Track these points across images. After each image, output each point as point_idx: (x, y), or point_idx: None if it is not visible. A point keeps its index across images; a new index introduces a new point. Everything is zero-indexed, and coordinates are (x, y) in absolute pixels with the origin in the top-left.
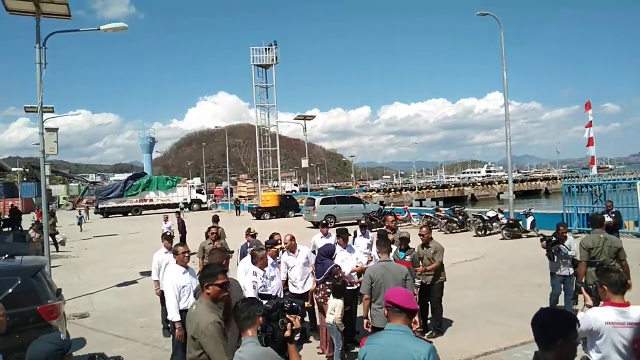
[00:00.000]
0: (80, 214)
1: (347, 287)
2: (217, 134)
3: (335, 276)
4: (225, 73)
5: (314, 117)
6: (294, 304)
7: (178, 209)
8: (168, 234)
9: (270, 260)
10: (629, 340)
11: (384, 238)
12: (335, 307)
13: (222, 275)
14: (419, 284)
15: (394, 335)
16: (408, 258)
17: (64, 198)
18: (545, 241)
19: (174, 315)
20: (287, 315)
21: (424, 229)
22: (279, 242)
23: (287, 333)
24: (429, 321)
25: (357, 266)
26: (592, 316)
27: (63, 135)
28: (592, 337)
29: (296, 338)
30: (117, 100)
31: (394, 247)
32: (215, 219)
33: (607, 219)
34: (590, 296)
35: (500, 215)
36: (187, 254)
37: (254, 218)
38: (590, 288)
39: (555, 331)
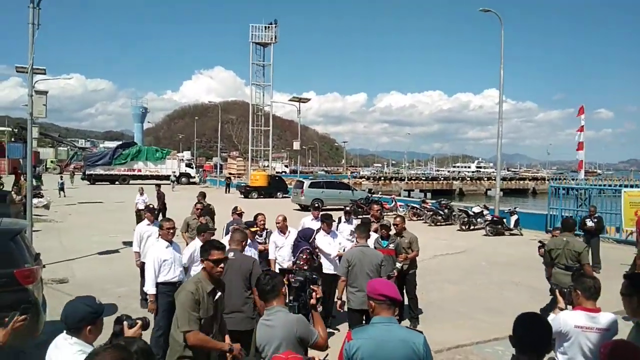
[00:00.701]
0: (61, 179)
1: (329, 272)
2: (211, 109)
3: (303, 255)
4: (223, 48)
5: (309, 99)
6: (314, 276)
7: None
8: (151, 206)
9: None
10: (595, 345)
11: (364, 224)
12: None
13: (217, 252)
14: (399, 267)
15: (385, 328)
16: (391, 246)
17: (52, 161)
18: (544, 250)
19: (149, 288)
20: (311, 286)
21: (397, 219)
22: (257, 224)
23: (313, 301)
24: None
25: (340, 251)
26: (563, 319)
27: (54, 98)
28: (561, 339)
29: (318, 306)
30: (112, 67)
31: (375, 235)
32: (202, 196)
33: (589, 223)
34: (563, 299)
35: (485, 212)
36: (171, 230)
37: (242, 196)
38: (565, 291)
39: (550, 339)
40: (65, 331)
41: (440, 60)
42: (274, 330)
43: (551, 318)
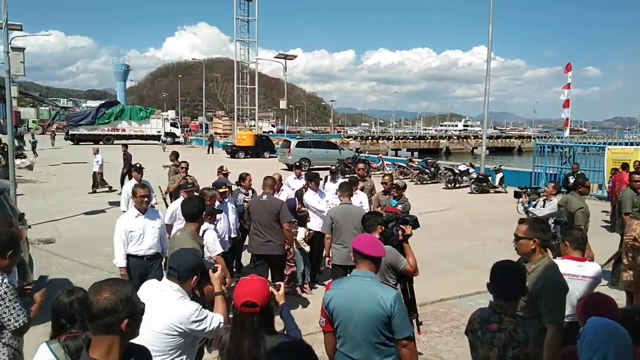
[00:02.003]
0: (33, 138)
1: (319, 230)
2: (195, 67)
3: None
4: (207, 2)
5: (295, 56)
6: (407, 217)
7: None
8: (138, 165)
9: (217, 203)
10: (581, 292)
11: (346, 183)
12: (298, 231)
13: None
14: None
15: (360, 281)
16: (400, 206)
17: (34, 122)
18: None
19: (118, 261)
20: (400, 225)
21: (386, 177)
22: (226, 185)
23: (400, 237)
24: None
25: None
26: None
27: (33, 55)
28: None
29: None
30: (93, 23)
31: (362, 194)
32: (175, 155)
33: (572, 180)
34: (551, 251)
35: (471, 170)
36: (145, 198)
37: (228, 156)
38: (553, 244)
39: (525, 284)
40: (166, 277)
41: (429, 16)
42: None
43: None
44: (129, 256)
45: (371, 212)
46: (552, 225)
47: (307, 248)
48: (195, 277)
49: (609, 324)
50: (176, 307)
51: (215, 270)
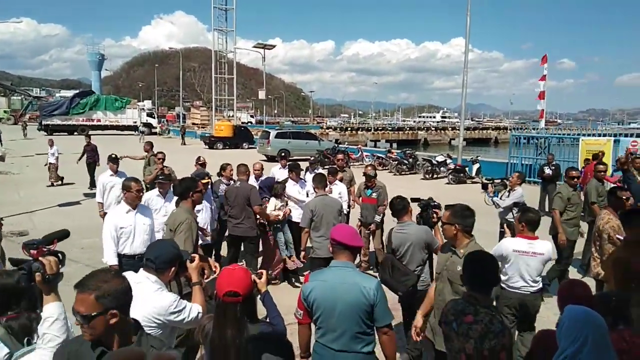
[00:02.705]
0: None
1: (299, 221)
2: (172, 56)
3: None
4: None
5: (274, 46)
6: (435, 202)
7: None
8: (113, 156)
9: None
10: (530, 267)
11: (319, 175)
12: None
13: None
14: (378, 220)
15: (340, 272)
16: (374, 195)
17: (5, 111)
18: None
19: (109, 259)
20: (434, 209)
21: (368, 167)
22: (208, 176)
23: (434, 219)
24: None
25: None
26: (504, 245)
27: (4, 43)
28: (502, 262)
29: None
30: (66, 11)
31: (340, 184)
32: (150, 145)
33: (547, 170)
34: (511, 231)
35: (448, 161)
36: (141, 194)
37: (206, 147)
38: (513, 225)
39: (498, 274)
40: (143, 268)
41: (408, 7)
42: (408, 235)
43: (497, 245)
44: (118, 255)
45: (399, 197)
46: (517, 212)
47: (281, 214)
48: (173, 269)
49: (585, 312)
50: (154, 299)
51: (192, 261)
